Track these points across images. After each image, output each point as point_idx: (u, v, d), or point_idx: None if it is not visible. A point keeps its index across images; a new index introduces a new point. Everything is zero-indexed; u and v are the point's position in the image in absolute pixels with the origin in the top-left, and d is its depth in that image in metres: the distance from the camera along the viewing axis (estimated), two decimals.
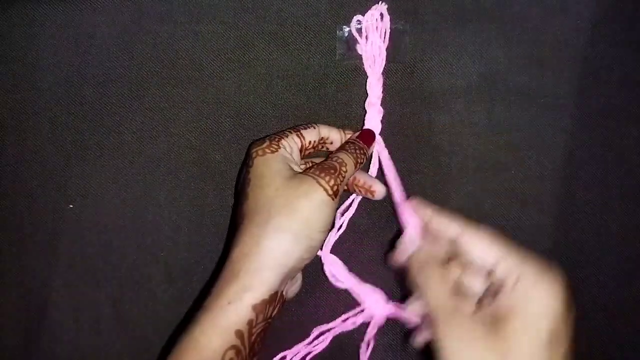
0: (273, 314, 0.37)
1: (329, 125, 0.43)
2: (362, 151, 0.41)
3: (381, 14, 0.43)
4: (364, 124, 0.44)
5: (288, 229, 0.36)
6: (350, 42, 0.43)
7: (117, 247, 0.46)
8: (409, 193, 0.45)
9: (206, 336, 0.35)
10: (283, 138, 0.40)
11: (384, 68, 0.44)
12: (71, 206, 0.46)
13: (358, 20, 0.43)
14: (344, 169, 0.39)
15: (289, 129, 0.42)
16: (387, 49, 0.43)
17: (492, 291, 0.35)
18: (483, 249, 0.36)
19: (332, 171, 0.38)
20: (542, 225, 0.46)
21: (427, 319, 0.37)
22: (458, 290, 0.37)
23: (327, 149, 0.44)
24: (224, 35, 0.45)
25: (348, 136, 0.43)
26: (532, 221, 0.46)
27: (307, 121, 0.43)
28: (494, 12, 0.45)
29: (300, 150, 0.42)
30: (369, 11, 0.42)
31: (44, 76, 0.45)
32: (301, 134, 0.41)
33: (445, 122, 0.46)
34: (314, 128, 0.42)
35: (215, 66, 0.45)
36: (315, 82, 0.46)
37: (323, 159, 0.41)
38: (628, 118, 0.46)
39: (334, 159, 0.40)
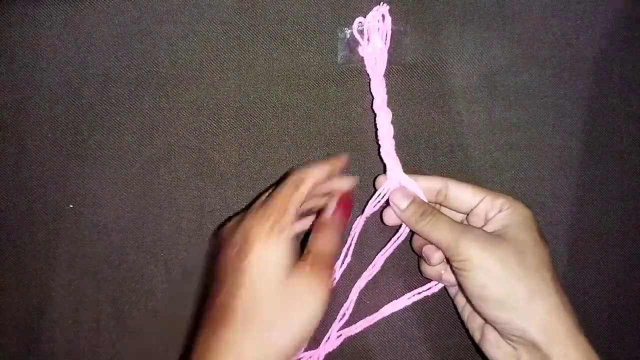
0: None
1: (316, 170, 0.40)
2: (344, 224, 0.40)
3: (382, 16, 0.43)
4: (375, 127, 0.43)
5: (291, 337, 0.34)
6: (352, 44, 0.43)
7: (117, 247, 0.46)
8: None
9: None
10: (287, 214, 0.36)
11: (385, 69, 0.44)
12: (71, 206, 0.46)
13: (360, 22, 0.43)
14: (336, 250, 0.39)
15: (284, 186, 0.38)
16: (387, 51, 0.43)
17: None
18: (466, 194, 0.41)
19: (330, 261, 0.37)
20: (542, 225, 0.46)
21: (446, 253, 0.39)
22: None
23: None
24: (224, 35, 0.45)
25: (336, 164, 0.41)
26: None
27: (294, 172, 0.39)
28: (494, 12, 0.45)
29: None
30: (371, 12, 0.42)
31: (44, 76, 0.45)
32: (301, 192, 0.38)
33: (445, 122, 0.46)
34: (306, 180, 0.38)
35: (215, 66, 0.45)
36: (315, 82, 0.46)
37: None
38: (628, 118, 0.46)
39: (326, 244, 0.38)
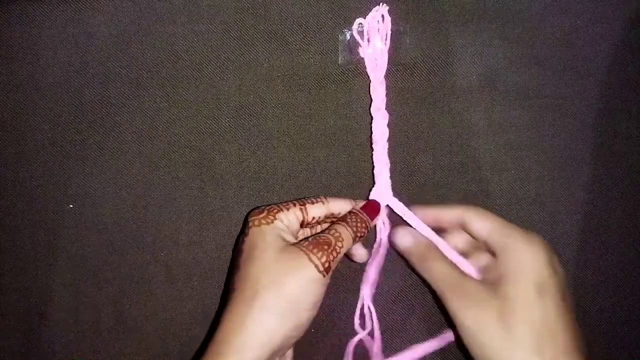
0: None
1: (340, 198, 0.42)
2: (363, 224, 0.41)
3: (382, 16, 0.43)
4: (371, 129, 0.43)
5: (274, 307, 0.36)
6: (352, 46, 0.43)
7: (117, 247, 0.46)
8: (409, 193, 0.45)
9: None
10: (282, 210, 0.40)
11: (385, 70, 0.44)
12: (71, 206, 0.46)
13: (360, 23, 0.43)
14: (339, 244, 0.38)
15: (294, 200, 0.41)
16: (387, 51, 0.43)
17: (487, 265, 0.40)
18: (478, 225, 0.40)
19: (326, 247, 0.38)
20: (542, 225, 0.46)
21: (440, 298, 0.39)
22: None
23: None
24: (224, 35, 0.45)
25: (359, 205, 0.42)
26: (533, 221, 0.46)
27: (316, 195, 0.42)
28: (494, 12, 0.45)
29: (302, 224, 0.41)
30: (371, 13, 0.42)
31: (44, 76, 0.45)
32: (305, 208, 0.41)
33: (445, 122, 0.46)
34: (322, 203, 0.41)
35: (215, 66, 0.45)
36: (315, 82, 0.46)
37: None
38: (628, 118, 0.46)
39: (332, 232, 0.39)
